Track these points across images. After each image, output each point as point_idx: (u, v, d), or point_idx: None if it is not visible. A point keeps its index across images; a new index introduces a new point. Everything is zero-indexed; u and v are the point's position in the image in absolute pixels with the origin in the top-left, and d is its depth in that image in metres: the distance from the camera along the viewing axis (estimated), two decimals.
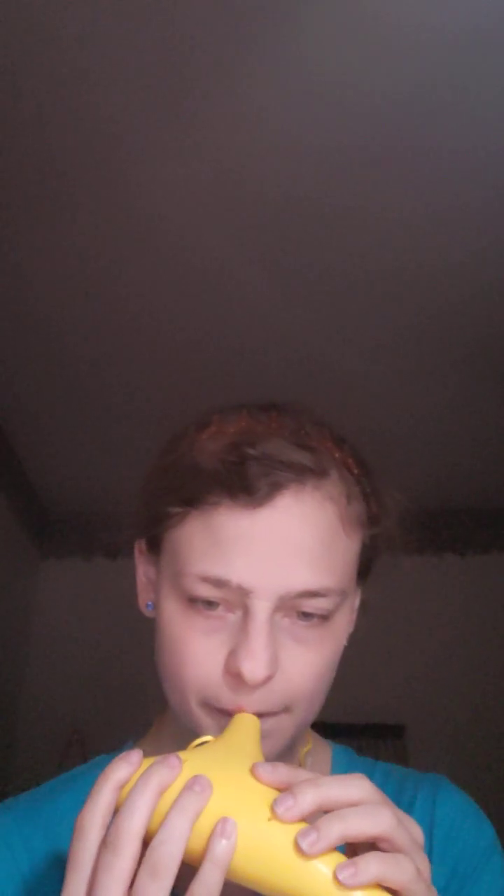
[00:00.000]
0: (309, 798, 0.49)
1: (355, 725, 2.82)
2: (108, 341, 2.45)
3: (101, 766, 0.52)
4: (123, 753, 0.51)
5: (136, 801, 0.48)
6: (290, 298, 2.24)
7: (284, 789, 0.50)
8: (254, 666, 0.58)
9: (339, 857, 0.48)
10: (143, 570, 0.71)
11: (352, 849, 0.53)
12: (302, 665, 0.61)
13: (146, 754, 0.73)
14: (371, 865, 0.48)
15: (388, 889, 0.49)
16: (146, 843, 0.48)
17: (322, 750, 0.76)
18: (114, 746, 0.76)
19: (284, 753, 0.64)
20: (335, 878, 0.47)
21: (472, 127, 1.74)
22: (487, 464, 2.90)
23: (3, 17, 1.57)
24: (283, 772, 0.51)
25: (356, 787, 0.50)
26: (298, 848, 0.47)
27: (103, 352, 2.49)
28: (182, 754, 0.52)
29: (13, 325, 2.40)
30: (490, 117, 1.72)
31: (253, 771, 0.52)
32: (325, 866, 0.47)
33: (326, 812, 0.50)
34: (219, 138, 1.81)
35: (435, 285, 2.18)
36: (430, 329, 2.33)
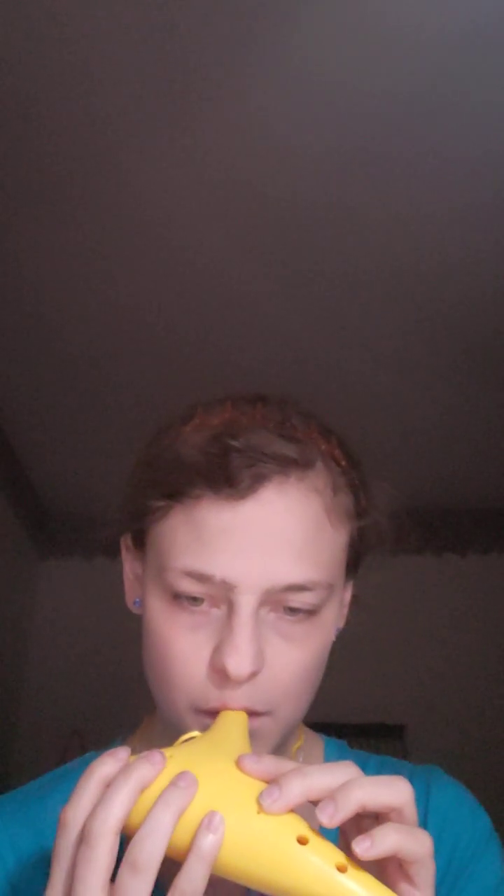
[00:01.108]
0: (296, 789, 0.48)
1: (355, 725, 2.82)
2: (109, 341, 2.45)
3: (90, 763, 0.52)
4: (111, 750, 0.50)
5: (114, 795, 0.47)
6: (291, 299, 2.24)
7: (272, 780, 0.50)
8: (238, 661, 0.58)
9: (332, 848, 0.48)
10: (129, 566, 0.70)
11: (346, 842, 0.53)
12: (288, 661, 0.60)
13: (135, 751, 0.72)
14: (388, 836, 0.47)
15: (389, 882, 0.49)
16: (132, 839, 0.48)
17: (314, 745, 0.75)
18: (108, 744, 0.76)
19: (275, 751, 0.63)
20: (352, 851, 0.47)
21: (473, 127, 1.74)
22: (487, 464, 2.90)
23: (4, 19, 1.57)
24: (268, 763, 0.51)
25: (344, 774, 0.49)
26: (323, 813, 0.47)
27: (104, 351, 2.49)
28: (168, 750, 0.52)
29: (14, 324, 2.40)
30: (491, 117, 1.72)
31: (238, 763, 0.51)
32: (317, 858, 0.47)
33: (313, 802, 0.49)
34: (219, 138, 1.80)
35: (435, 285, 2.17)
36: (430, 329, 2.33)
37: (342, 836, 0.53)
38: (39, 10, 1.55)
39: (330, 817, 0.47)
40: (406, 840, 0.47)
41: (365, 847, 0.47)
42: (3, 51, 1.63)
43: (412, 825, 0.49)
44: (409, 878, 0.49)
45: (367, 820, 0.50)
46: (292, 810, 0.49)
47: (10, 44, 1.62)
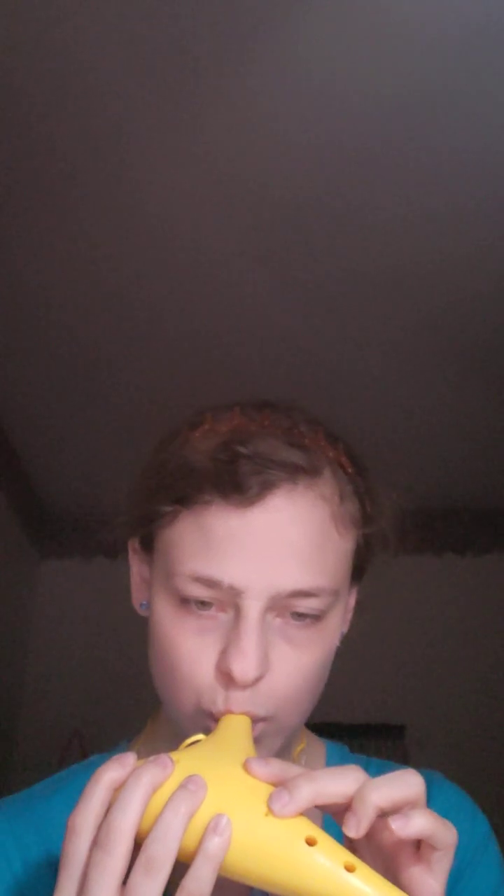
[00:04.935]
0: (305, 793, 0.49)
1: (355, 725, 2.82)
2: (110, 341, 2.45)
3: (96, 766, 0.52)
4: (117, 755, 0.51)
5: (128, 799, 0.48)
6: (291, 297, 2.24)
7: (278, 784, 0.50)
8: (244, 665, 0.58)
9: (340, 848, 0.48)
10: (136, 568, 0.70)
11: (350, 844, 0.53)
12: (292, 666, 0.61)
13: (140, 754, 0.73)
14: (422, 819, 0.49)
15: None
16: (138, 843, 0.48)
17: (316, 748, 0.76)
18: (113, 746, 0.76)
19: (278, 754, 0.64)
20: (389, 827, 0.48)
21: (474, 125, 1.74)
22: (487, 464, 2.90)
23: (4, 17, 1.57)
24: (275, 766, 0.51)
25: (352, 778, 0.50)
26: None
27: (104, 351, 2.49)
28: (175, 754, 0.52)
29: (13, 324, 2.40)
30: (492, 115, 1.72)
31: (245, 766, 0.52)
32: (325, 858, 0.47)
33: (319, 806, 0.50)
34: (220, 136, 1.81)
35: (437, 284, 2.18)
36: (430, 328, 2.33)
37: (347, 841, 0.54)
38: (42, 8, 1.55)
39: (356, 830, 0.48)
40: (438, 826, 0.49)
41: (400, 825, 0.48)
42: (5, 49, 1.63)
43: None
44: (426, 864, 0.50)
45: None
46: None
47: (12, 42, 1.62)
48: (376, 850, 0.52)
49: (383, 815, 0.50)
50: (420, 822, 0.48)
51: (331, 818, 0.68)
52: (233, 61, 1.65)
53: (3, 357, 2.53)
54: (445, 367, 2.47)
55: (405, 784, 0.49)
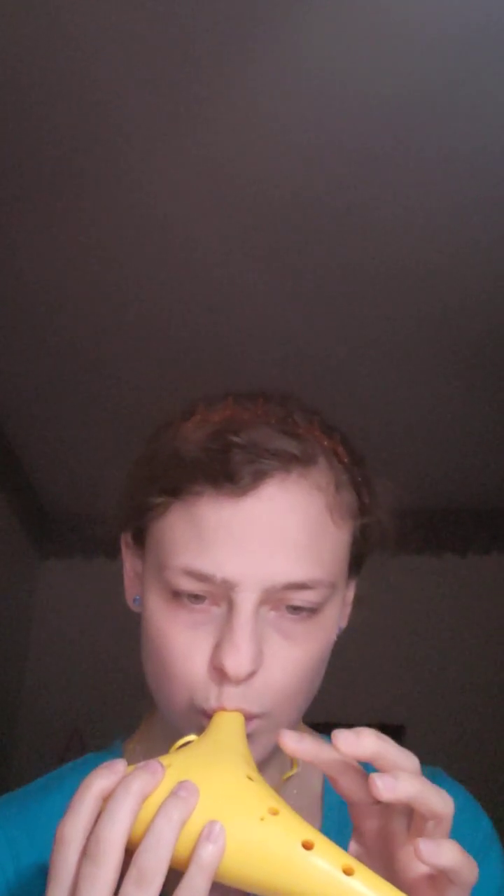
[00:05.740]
0: (368, 742, 0.49)
1: (355, 726, 2.81)
2: (110, 341, 2.44)
3: (91, 765, 0.51)
4: (107, 762, 0.49)
5: (117, 809, 0.46)
6: (292, 297, 2.24)
7: (313, 762, 0.50)
8: (237, 660, 0.57)
9: (338, 851, 0.47)
10: (129, 563, 0.69)
11: (359, 841, 0.52)
12: (287, 660, 0.60)
13: (135, 753, 0.72)
14: (450, 850, 0.48)
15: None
16: (130, 851, 0.47)
17: None
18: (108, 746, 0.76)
19: (273, 752, 0.63)
20: (418, 851, 0.48)
21: (475, 125, 1.74)
22: (487, 464, 2.90)
23: (6, 18, 1.57)
24: (308, 744, 0.51)
25: (413, 761, 0.50)
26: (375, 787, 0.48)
27: (104, 351, 2.49)
28: (166, 758, 0.51)
29: (13, 324, 2.40)
30: (491, 117, 1.72)
31: (280, 739, 0.51)
32: (323, 862, 0.46)
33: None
34: (221, 135, 1.80)
35: (438, 283, 2.17)
36: (430, 328, 2.33)
37: (356, 831, 0.53)
38: (42, 8, 1.55)
39: (386, 790, 0.47)
40: (464, 863, 0.48)
41: (430, 851, 0.47)
42: (6, 49, 1.63)
43: (447, 837, 0.49)
44: None
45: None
46: (296, 813, 0.49)
47: (13, 42, 1.62)
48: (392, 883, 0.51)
49: (409, 823, 0.50)
50: (450, 855, 0.48)
51: (329, 821, 0.67)
52: (233, 61, 1.65)
53: (3, 357, 2.53)
54: (445, 367, 2.47)
55: (443, 799, 0.49)
